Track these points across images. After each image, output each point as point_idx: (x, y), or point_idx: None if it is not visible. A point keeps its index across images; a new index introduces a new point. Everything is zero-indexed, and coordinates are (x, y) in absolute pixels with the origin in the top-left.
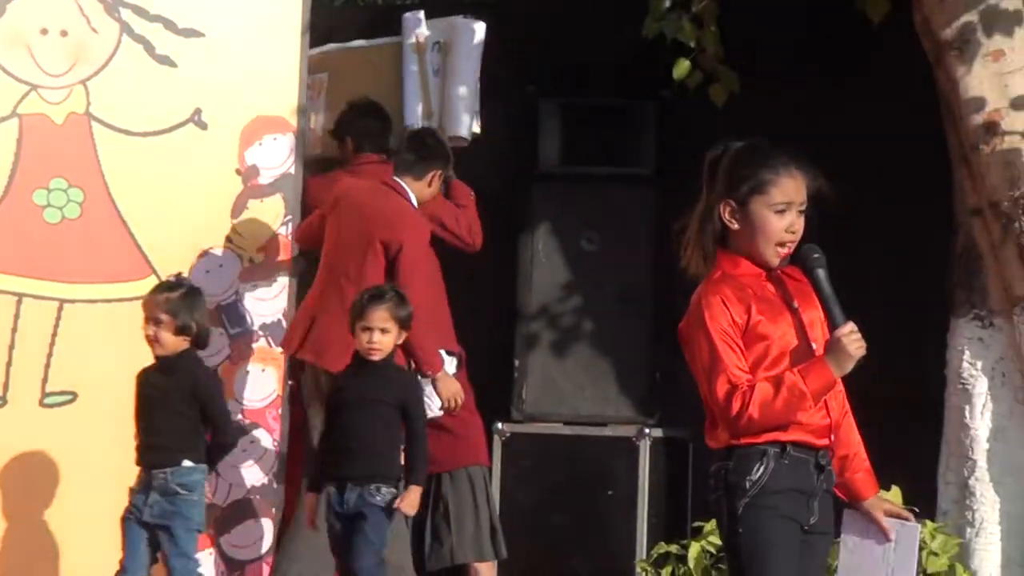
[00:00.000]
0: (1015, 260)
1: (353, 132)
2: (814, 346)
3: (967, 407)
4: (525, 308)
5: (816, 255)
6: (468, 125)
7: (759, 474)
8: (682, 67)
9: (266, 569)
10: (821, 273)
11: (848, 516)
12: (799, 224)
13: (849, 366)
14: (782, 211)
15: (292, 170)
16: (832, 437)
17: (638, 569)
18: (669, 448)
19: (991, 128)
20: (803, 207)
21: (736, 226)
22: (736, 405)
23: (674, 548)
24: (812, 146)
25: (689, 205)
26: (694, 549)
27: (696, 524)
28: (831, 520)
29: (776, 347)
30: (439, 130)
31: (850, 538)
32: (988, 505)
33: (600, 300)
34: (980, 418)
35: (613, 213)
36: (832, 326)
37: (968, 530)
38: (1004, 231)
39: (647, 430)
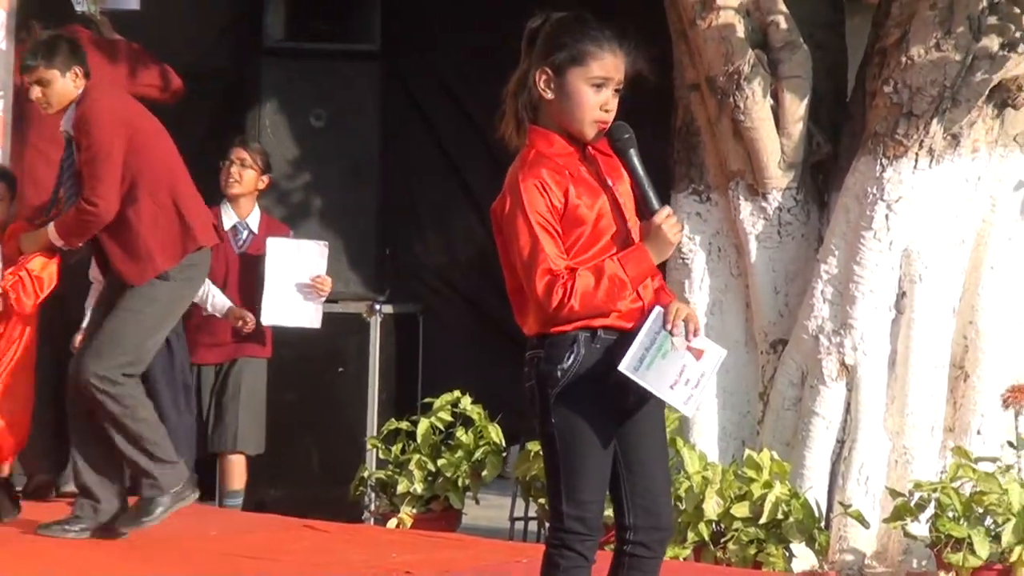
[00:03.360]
0: (730, 135)
1: None
2: (630, 223)
3: (686, 281)
4: None
5: (627, 135)
6: None
7: (571, 362)
8: None
9: None
10: (634, 153)
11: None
12: (613, 103)
13: (668, 252)
14: (599, 86)
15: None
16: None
17: (368, 446)
18: (399, 324)
19: (707, 3)
20: (619, 87)
21: (550, 96)
22: (557, 296)
23: (404, 425)
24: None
25: (416, 80)
26: (423, 425)
27: (425, 400)
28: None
29: (594, 229)
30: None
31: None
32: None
33: (328, 176)
34: (699, 292)
35: (340, 89)
36: (647, 210)
37: None
38: (720, 106)
39: (377, 306)
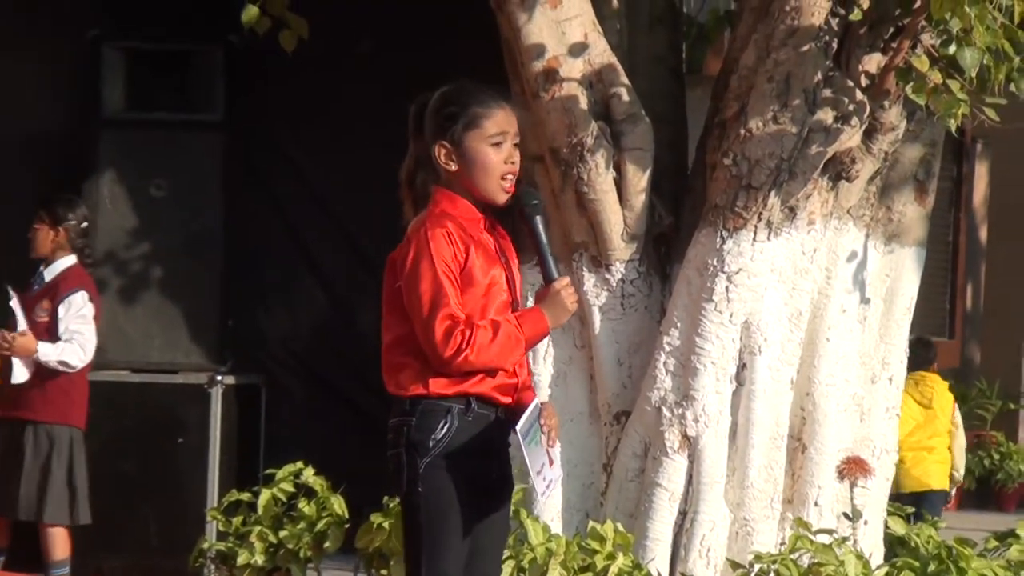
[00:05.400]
0: (574, 207)
1: None
2: (517, 304)
3: (531, 354)
4: (91, 254)
5: (536, 201)
6: None
7: (443, 432)
8: (251, 12)
9: None
10: (539, 220)
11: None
12: (516, 156)
13: (564, 318)
14: (498, 143)
15: None
16: (515, 397)
17: (209, 517)
18: (241, 395)
19: (550, 75)
20: (517, 139)
21: (454, 167)
22: (455, 342)
23: (245, 496)
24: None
25: (259, 151)
26: (264, 496)
27: (267, 472)
28: (510, 472)
29: (486, 293)
30: None
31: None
32: (558, 458)
33: (170, 246)
34: (543, 363)
35: (182, 159)
36: (547, 276)
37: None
38: (564, 177)
39: (219, 377)
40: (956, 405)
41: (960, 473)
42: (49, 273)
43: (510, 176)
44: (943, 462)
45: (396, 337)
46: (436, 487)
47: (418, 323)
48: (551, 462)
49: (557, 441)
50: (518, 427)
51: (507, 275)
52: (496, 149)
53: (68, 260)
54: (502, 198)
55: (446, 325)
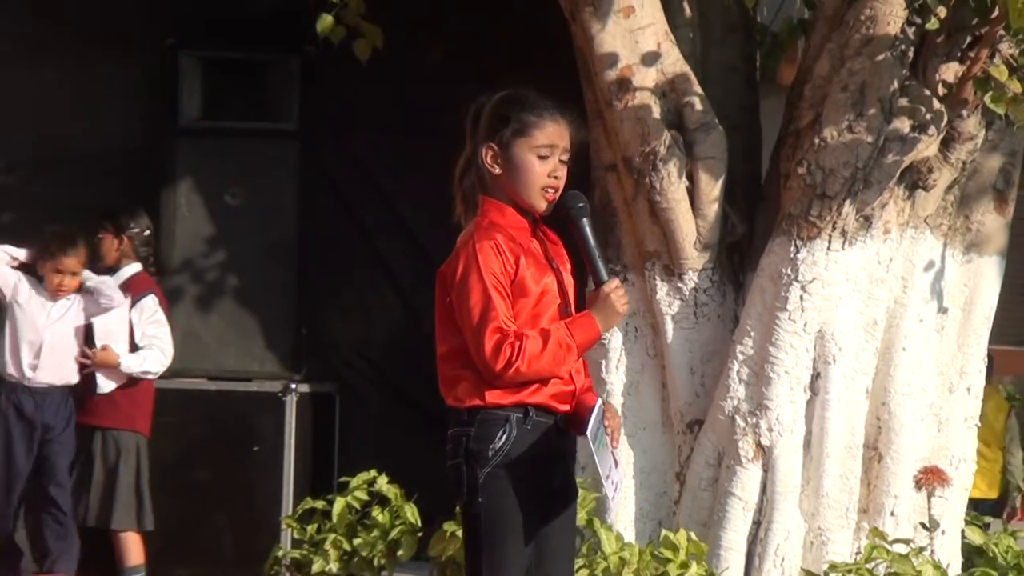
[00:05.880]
0: (646, 216)
1: None
2: (571, 308)
3: (603, 362)
4: (168, 263)
5: (581, 203)
6: None
7: (502, 442)
8: (325, 22)
9: None
10: (586, 223)
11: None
12: (562, 171)
13: (615, 322)
14: (545, 156)
15: None
16: (573, 403)
17: (283, 525)
18: (315, 403)
19: (623, 84)
20: (566, 155)
21: (498, 171)
22: (505, 355)
23: (320, 504)
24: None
25: (334, 159)
26: (339, 504)
27: (342, 480)
28: (573, 479)
29: (537, 303)
30: None
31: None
32: (623, 459)
33: (245, 255)
34: (616, 372)
35: (257, 168)
36: (596, 279)
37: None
38: (636, 186)
39: (293, 385)
40: (1013, 413)
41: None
42: (116, 281)
43: (551, 189)
44: (984, 472)
45: (450, 349)
46: (496, 497)
47: (469, 337)
48: (616, 463)
49: (619, 443)
50: (588, 432)
51: (558, 280)
52: (542, 161)
53: (133, 268)
54: (542, 206)
55: (496, 339)
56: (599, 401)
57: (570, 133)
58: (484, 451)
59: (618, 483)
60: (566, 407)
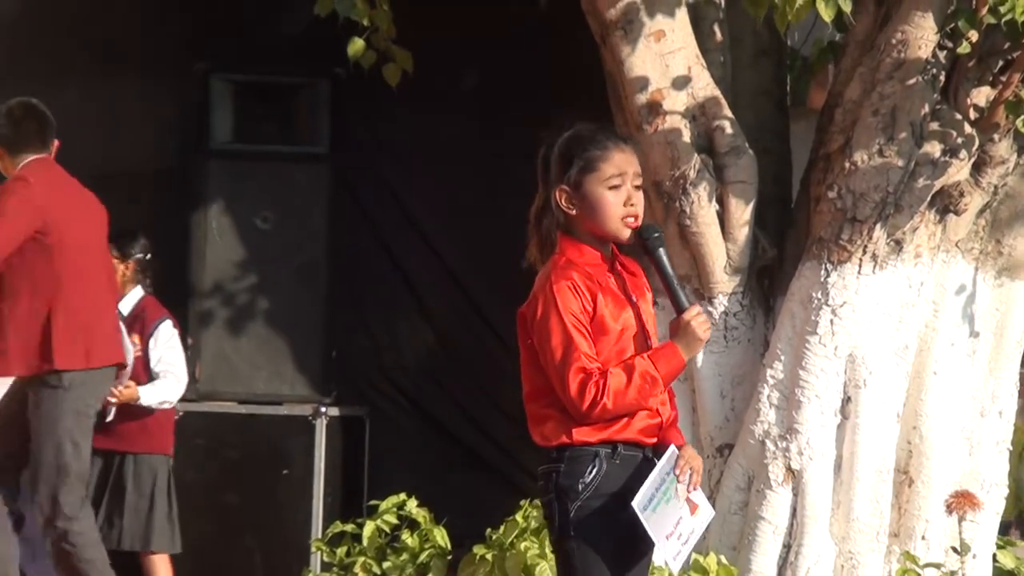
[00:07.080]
0: (676, 240)
1: None
2: (651, 341)
3: None
4: (199, 285)
5: (656, 233)
6: None
7: (592, 476)
8: (356, 46)
9: None
10: (663, 252)
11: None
12: (638, 197)
13: (698, 348)
14: (616, 186)
15: None
16: (660, 435)
17: (313, 548)
18: (345, 427)
19: (654, 108)
20: (639, 179)
21: (574, 211)
22: (590, 395)
23: (350, 527)
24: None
25: (363, 182)
26: (369, 528)
27: (371, 503)
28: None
29: (618, 340)
30: None
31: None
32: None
33: (275, 278)
34: None
35: (288, 191)
36: (677, 308)
37: None
38: (666, 210)
39: (323, 408)
40: None
41: None
42: (124, 307)
43: (631, 217)
44: None
45: (535, 389)
46: (587, 531)
47: (554, 378)
48: (694, 508)
49: (699, 484)
50: (635, 502)
51: (636, 314)
52: (615, 192)
53: (137, 292)
54: (625, 234)
55: (580, 379)
56: (668, 452)
57: (636, 156)
58: (575, 486)
59: (691, 534)
60: (653, 440)
